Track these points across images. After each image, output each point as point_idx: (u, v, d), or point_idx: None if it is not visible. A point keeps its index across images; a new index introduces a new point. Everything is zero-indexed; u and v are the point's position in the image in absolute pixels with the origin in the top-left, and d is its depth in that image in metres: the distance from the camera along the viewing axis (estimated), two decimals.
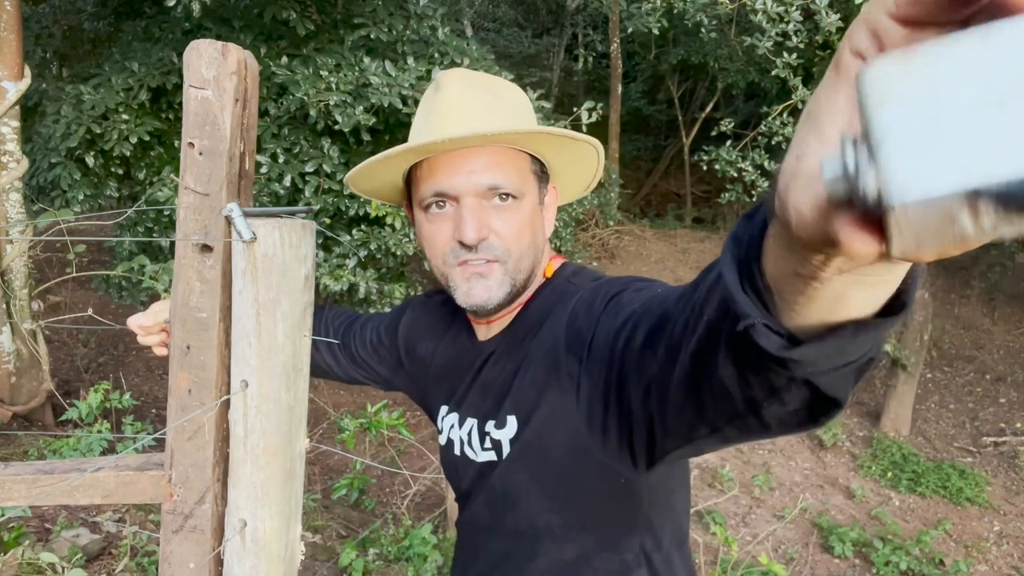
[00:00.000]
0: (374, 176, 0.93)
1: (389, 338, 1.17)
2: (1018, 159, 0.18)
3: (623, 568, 0.87)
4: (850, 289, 0.37)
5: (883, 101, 0.21)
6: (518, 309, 0.93)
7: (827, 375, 0.45)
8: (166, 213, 4.20)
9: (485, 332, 0.97)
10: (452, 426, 0.99)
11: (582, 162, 0.96)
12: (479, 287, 0.86)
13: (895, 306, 0.39)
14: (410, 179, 0.92)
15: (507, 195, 0.85)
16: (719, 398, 0.54)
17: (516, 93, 0.93)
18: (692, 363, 0.56)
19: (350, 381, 1.28)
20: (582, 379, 0.79)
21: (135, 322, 1.11)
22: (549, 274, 0.95)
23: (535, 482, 0.87)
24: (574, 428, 0.80)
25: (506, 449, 0.88)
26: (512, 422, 0.87)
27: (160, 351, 1.11)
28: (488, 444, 0.90)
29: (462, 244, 0.85)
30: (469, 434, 0.95)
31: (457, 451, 0.98)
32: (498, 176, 0.84)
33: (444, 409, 1.03)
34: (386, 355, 1.18)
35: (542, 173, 0.92)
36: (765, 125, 6.59)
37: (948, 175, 0.20)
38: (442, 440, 1.02)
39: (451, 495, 4.07)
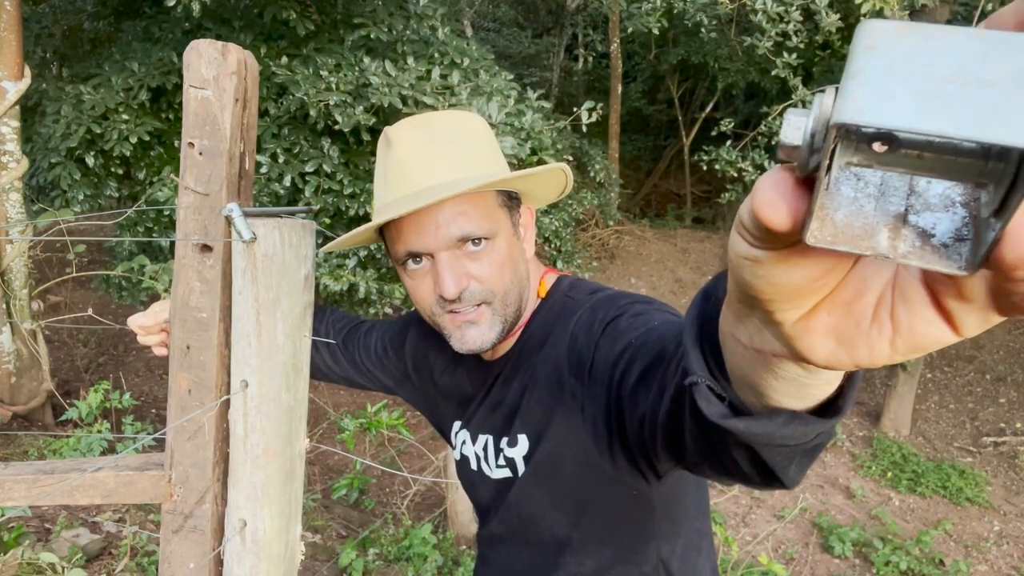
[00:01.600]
0: (349, 240, 0.94)
1: (395, 351, 1.17)
2: (959, 124, 0.20)
3: None
4: (767, 377, 0.38)
5: (873, 47, 0.22)
6: (519, 331, 0.94)
7: (767, 449, 0.45)
8: (166, 213, 4.20)
9: (490, 354, 0.98)
10: (464, 442, 1.02)
11: (550, 179, 0.95)
12: (472, 333, 0.87)
13: (830, 409, 0.41)
14: (383, 233, 0.93)
15: (479, 239, 0.85)
16: (693, 440, 0.56)
17: (470, 130, 0.90)
18: (672, 406, 0.58)
19: (348, 383, 1.28)
20: (585, 402, 0.80)
21: (135, 322, 1.11)
22: (543, 293, 0.95)
23: (550, 499, 0.89)
24: (583, 447, 0.82)
25: (520, 467, 0.90)
26: (523, 440, 0.89)
27: (160, 351, 1.11)
28: (502, 461, 0.93)
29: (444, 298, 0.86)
30: (484, 450, 0.97)
31: (473, 466, 1.01)
32: (466, 224, 0.83)
33: (457, 425, 1.05)
34: (391, 367, 1.18)
35: (511, 200, 0.91)
36: (765, 125, 6.59)
37: (897, 115, 0.21)
38: (456, 455, 1.05)
39: (451, 495, 4.07)
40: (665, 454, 0.64)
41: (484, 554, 1.05)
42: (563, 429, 0.83)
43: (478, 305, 0.86)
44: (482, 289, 0.86)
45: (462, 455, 1.02)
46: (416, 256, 0.86)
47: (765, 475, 0.49)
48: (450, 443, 1.08)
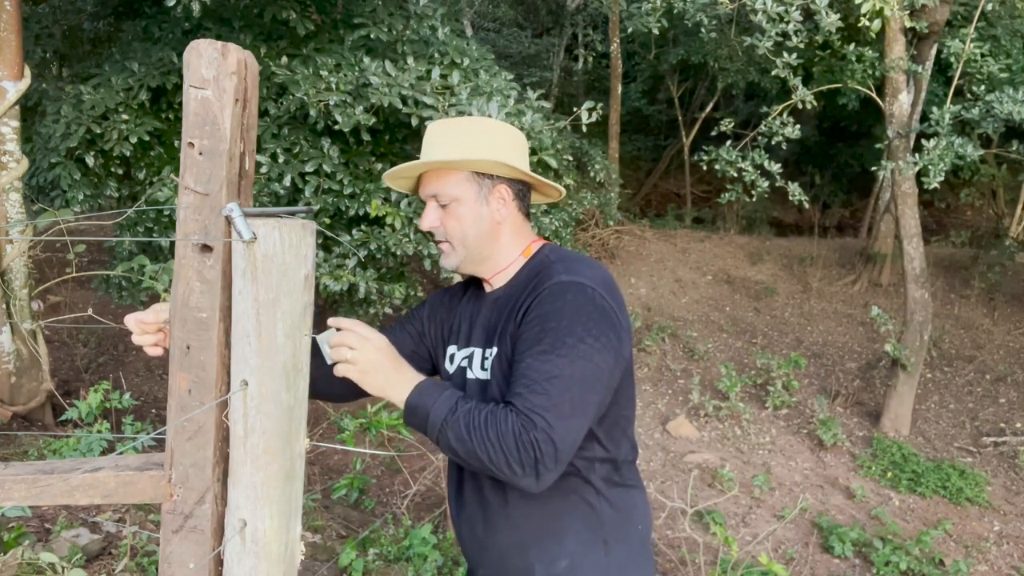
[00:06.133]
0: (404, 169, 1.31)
1: (413, 315, 1.47)
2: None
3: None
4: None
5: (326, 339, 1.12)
6: (511, 276, 1.30)
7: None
8: (166, 213, 4.20)
9: (489, 287, 1.34)
10: (464, 358, 1.33)
11: (495, 163, 1.25)
12: (443, 258, 1.31)
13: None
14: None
15: (444, 201, 1.25)
16: None
17: (481, 131, 1.26)
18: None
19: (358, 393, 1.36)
20: (512, 342, 1.21)
21: (133, 317, 1.12)
22: (528, 255, 1.30)
23: (498, 385, 1.24)
24: (507, 364, 1.21)
25: (489, 369, 1.26)
26: (495, 351, 1.25)
27: (153, 351, 1.12)
28: (486, 367, 1.27)
29: None
30: (470, 358, 1.32)
31: (454, 370, 1.34)
32: (436, 188, 1.26)
33: (453, 348, 1.38)
34: (411, 327, 1.46)
35: (483, 178, 1.25)
36: (765, 125, 6.59)
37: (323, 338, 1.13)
38: (451, 369, 1.36)
39: None
40: None
41: None
42: (506, 348, 1.22)
43: (443, 241, 1.28)
44: (443, 232, 1.28)
45: (458, 367, 1.34)
46: (425, 198, 1.30)
47: None
48: (449, 362, 1.39)
